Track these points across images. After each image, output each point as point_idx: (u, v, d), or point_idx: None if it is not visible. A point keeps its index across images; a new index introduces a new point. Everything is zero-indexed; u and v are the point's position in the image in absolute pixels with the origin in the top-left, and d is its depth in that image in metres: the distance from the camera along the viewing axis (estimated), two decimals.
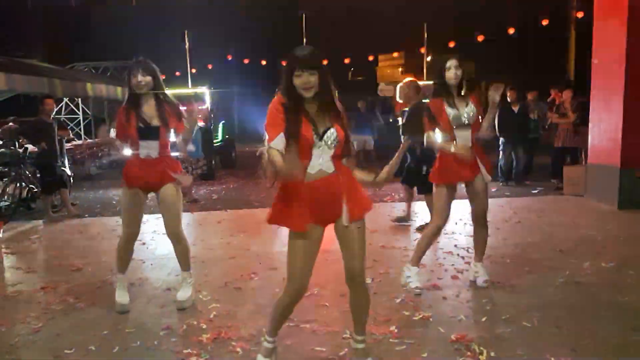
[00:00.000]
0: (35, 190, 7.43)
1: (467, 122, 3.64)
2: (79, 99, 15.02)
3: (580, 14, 15.66)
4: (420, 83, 5.90)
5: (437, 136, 3.74)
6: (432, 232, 3.85)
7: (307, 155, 2.41)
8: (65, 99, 15.00)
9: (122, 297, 3.65)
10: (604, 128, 6.87)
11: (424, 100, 5.20)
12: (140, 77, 3.41)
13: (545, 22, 17.05)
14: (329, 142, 2.41)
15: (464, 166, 3.65)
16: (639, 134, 6.41)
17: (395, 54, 23.14)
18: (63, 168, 7.50)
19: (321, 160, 2.42)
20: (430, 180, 3.87)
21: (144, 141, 3.47)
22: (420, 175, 5.40)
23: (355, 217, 2.49)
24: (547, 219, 6.15)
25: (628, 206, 6.39)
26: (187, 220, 6.81)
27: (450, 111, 3.64)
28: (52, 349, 3.09)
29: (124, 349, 3.06)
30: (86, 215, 7.43)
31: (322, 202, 2.44)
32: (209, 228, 6.40)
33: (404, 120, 5.83)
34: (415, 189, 5.88)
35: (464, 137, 3.66)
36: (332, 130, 2.42)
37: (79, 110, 15.37)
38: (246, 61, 20.67)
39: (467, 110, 3.65)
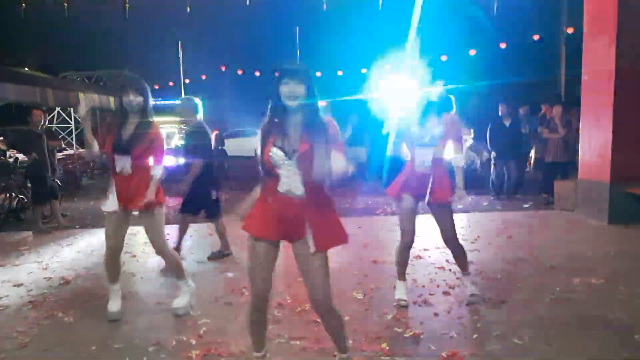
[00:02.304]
0: (26, 200, 7.38)
1: (429, 141, 3.64)
2: (71, 109, 14.99)
3: (570, 30, 15.91)
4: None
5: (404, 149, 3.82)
6: (402, 248, 3.87)
7: (273, 173, 2.44)
8: (57, 108, 14.96)
9: (113, 305, 3.68)
10: (594, 144, 6.93)
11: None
12: (132, 97, 3.50)
13: (536, 37, 17.31)
14: (297, 163, 2.40)
15: (422, 184, 3.67)
16: (629, 149, 6.48)
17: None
18: (54, 179, 7.45)
19: (290, 180, 2.43)
20: (387, 193, 3.90)
21: (117, 155, 3.54)
22: (207, 199, 5.19)
23: (321, 247, 2.46)
24: (538, 234, 6.17)
25: (618, 221, 6.43)
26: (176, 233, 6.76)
27: (415, 129, 3.67)
28: None
29: None
30: (77, 227, 7.37)
31: (282, 219, 2.45)
32: (200, 241, 6.36)
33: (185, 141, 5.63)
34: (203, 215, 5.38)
35: (423, 155, 3.66)
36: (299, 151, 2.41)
37: (71, 120, 15.31)
38: (239, 72, 20.77)
39: (435, 131, 3.65)
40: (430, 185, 3.65)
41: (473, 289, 3.91)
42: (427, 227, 4.93)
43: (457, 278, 4.43)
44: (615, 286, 4.18)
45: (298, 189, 2.43)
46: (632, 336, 3.23)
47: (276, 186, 2.45)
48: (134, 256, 5.37)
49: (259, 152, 2.49)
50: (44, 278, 4.81)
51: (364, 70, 21.04)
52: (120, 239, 3.66)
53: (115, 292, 3.74)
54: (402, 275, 3.95)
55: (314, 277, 2.49)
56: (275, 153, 2.41)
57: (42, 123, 7.46)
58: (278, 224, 2.46)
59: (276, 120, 2.46)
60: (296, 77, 2.38)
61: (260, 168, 2.52)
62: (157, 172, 3.62)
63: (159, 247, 3.70)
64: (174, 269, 3.82)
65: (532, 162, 11.73)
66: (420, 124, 3.66)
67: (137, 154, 3.53)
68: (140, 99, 3.52)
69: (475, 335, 3.30)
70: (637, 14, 6.44)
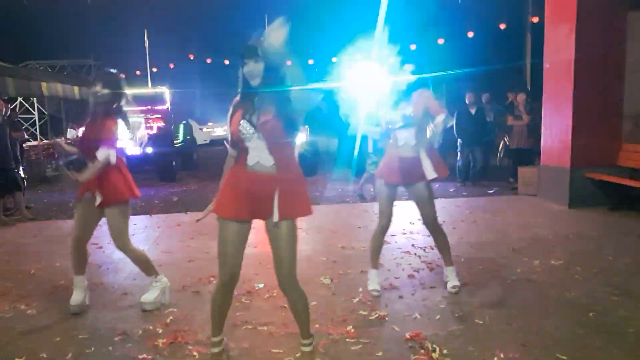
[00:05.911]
0: None
1: (405, 123, 3.63)
2: (34, 99, 14.55)
3: (535, 19, 16.20)
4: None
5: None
6: (379, 232, 3.83)
7: (241, 147, 2.49)
8: (20, 99, 14.52)
9: (74, 298, 3.62)
10: (555, 130, 7.13)
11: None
12: (97, 89, 3.53)
13: (503, 26, 17.59)
14: (261, 133, 2.44)
15: (406, 168, 3.65)
16: (588, 136, 6.70)
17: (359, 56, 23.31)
18: (17, 170, 7.27)
19: (258, 153, 2.46)
20: (377, 176, 3.83)
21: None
22: None
23: (284, 215, 2.47)
24: (502, 219, 6.34)
25: (578, 205, 6.66)
26: (145, 222, 6.72)
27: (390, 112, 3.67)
28: (1, 357, 3.00)
29: (78, 355, 3.00)
30: (41, 219, 7.22)
31: (252, 195, 2.48)
32: (168, 231, 6.32)
33: None
34: None
35: (404, 137, 3.66)
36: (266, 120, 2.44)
37: (34, 110, 14.87)
38: (208, 60, 20.51)
39: (406, 111, 3.65)
40: (424, 162, 3.62)
41: (454, 279, 3.87)
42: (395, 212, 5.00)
43: (423, 262, 4.54)
44: (573, 267, 4.34)
45: (268, 161, 2.46)
46: (587, 314, 3.37)
47: (245, 161, 2.48)
48: (100, 247, 5.30)
49: (227, 127, 2.53)
50: (6, 270, 4.71)
51: (334, 59, 20.99)
52: (85, 229, 3.59)
53: (79, 284, 3.65)
54: (375, 262, 3.88)
55: (280, 251, 2.51)
56: (244, 126, 2.45)
57: (4, 113, 7.26)
58: (248, 202, 2.48)
59: (244, 96, 2.51)
60: (253, 57, 2.41)
61: (229, 145, 2.57)
62: (101, 156, 3.43)
63: (122, 246, 3.59)
64: (141, 265, 3.71)
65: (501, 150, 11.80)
66: (393, 108, 3.66)
67: (85, 144, 3.54)
68: (105, 91, 3.52)
69: (438, 316, 3.39)
70: (596, 2, 6.63)
